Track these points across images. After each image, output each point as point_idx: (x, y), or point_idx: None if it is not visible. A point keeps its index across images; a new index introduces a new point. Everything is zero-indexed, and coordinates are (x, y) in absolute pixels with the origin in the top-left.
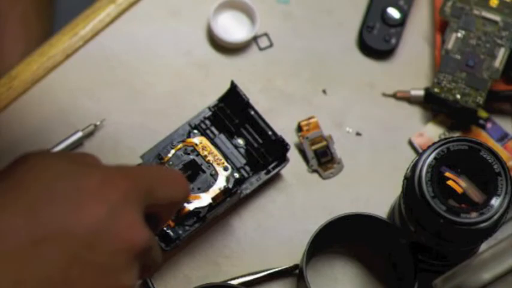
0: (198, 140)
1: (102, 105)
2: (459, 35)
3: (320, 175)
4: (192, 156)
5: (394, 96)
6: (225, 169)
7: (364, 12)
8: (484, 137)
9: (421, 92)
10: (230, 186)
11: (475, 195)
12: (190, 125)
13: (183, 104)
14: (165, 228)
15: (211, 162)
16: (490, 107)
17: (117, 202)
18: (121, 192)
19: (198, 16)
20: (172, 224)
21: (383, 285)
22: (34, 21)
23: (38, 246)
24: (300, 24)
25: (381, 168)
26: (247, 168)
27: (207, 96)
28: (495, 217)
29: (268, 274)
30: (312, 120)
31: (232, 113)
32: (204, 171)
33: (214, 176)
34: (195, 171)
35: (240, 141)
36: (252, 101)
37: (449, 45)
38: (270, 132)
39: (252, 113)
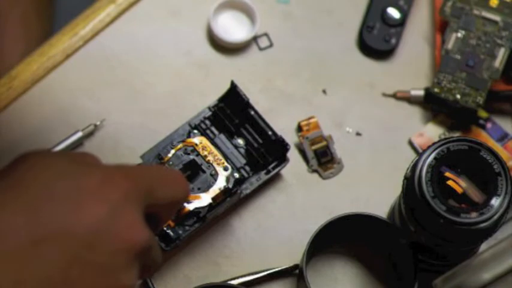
0: (198, 140)
1: (102, 105)
2: (459, 35)
3: (320, 175)
4: (192, 156)
5: (394, 96)
6: (225, 169)
7: (364, 12)
8: (484, 137)
9: (421, 92)
10: (230, 186)
11: (475, 195)
12: (190, 125)
13: (183, 104)
14: (165, 228)
15: (211, 162)
16: (490, 107)
17: (117, 202)
18: (121, 191)
19: (198, 16)
20: (172, 224)
21: (383, 285)
22: (34, 21)
23: (38, 246)
24: (300, 24)
25: (381, 168)
26: (247, 168)
27: (207, 96)
28: (495, 217)
29: (268, 274)
30: (312, 120)
31: (232, 113)
32: (204, 171)
33: (214, 176)
34: (195, 171)
35: (240, 141)
36: (252, 101)
37: (449, 45)
38: (270, 132)
39: (252, 113)
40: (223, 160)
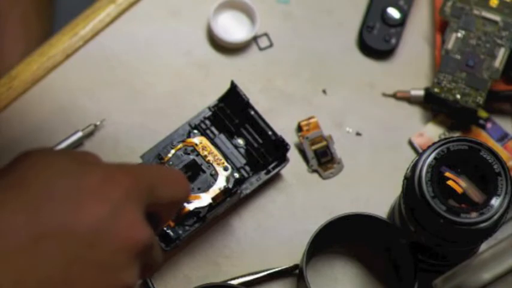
0: (198, 140)
1: (102, 105)
2: (459, 35)
3: (320, 175)
4: (192, 156)
5: (394, 96)
6: (225, 169)
7: (364, 12)
8: (484, 137)
9: (421, 92)
10: (230, 186)
11: (475, 195)
12: (190, 125)
13: (183, 104)
14: (165, 228)
15: (211, 162)
16: (490, 107)
17: (118, 200)
18: (122, 190)
19: (198, 16)
20: (172, 224)
21: (383, 285)
22: (34, 21)
23: (38, 245)
24: (300, 24)
25: (381, 168)
26: (247, 168)
27: (207, 96)
28: (495, 217)
29: (268, 274)
30: (312, 120)
31: (232, 113)
32: (204, 171)
33: (214, 176)
34: (195, 171)
35: (240, 141)
36: (252, 101)
37: (449, 45)
38: (270, 132)
39: (252, 113)
40: (223, 160)
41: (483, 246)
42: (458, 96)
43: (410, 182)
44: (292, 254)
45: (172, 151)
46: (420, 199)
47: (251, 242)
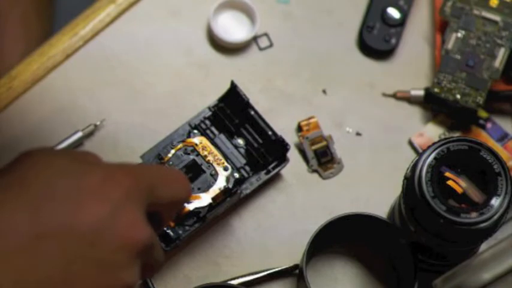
0: (198, 140)
1: (102, 105)
2: (459, 35)
3: (320, 175)
4: (192, 156)
5: (394, 96)
6: (225, 169)
7: (364, 12)
8: (484, 137)
9: (421, 92)
10: (230, 186)
11: (475, 195)
12: (190, 125)
13: (183, 104)
14: (165, 228)
15: (211, 162)
16: (490, 107)
17: (118, 200)
18: (123, 189)
19: (198, 16)
20: (172, 224)
21: (383, 285)
22: (34, 21)
23: (38, 245)
24: (300, 24)
25: (381, 168)
26: (247, 168)
27: (207, 96)
28: (495, 217)
29: (268, 274)
30: (312, 120)
31: (232, 113)
32: (204, 171)
33: (214, 176)
34: (195, 171)
35: (240, 141)
36: (252, 101)
37: (449, 45)
38: (270, 132)
39: (252, 113)
40: (223, 160)
41: (483, 246)
42: (458, 96)
43: (410, 182)
44: (292, 254)
45: (172, 151)
46: (420, 199)
47: (251, 242)
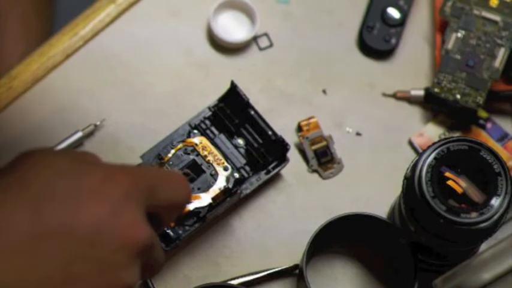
0: (198, 140)
1: (102, 105)
2: (459, 35)
3: (320, 175)
4: (192, 156)
5: (394, 96)
6: (225, 169)
7: (364, 12)
8: (484, 137)
9: (421, 92)
10: (230, 186)
11: (475, 195)
12: (190, 125)
13: (183, 104)
14: (165, 228)
15: (211, 162)
16: (490, 107)
17: (118, 200)
18: (122, 190)
19: (198, 16)
20: (172, 224)
21: (383, 285)
22: (34, 21)
23: (38, 245)
24: (300, 24)
25: (381, 168)
26: (247, 168)
27: (207, 96)
28: (495, 217)
29: (268, 274)
30: (312, 120)
31: (232, 113)
32: (204, 171)
33: (214, 176)
34: (195, 171)
35: (240, 141)
36: (252, 101)
37: (449, 45)
38: (270, 132)
39: (252, 113)
40: (223, 160)
41: (483, 246)
42: (458, 96)
43: (410, 182)
44: (292, 254)
45: (172, 151)
46: (420, 199)
47: (251, 242)
